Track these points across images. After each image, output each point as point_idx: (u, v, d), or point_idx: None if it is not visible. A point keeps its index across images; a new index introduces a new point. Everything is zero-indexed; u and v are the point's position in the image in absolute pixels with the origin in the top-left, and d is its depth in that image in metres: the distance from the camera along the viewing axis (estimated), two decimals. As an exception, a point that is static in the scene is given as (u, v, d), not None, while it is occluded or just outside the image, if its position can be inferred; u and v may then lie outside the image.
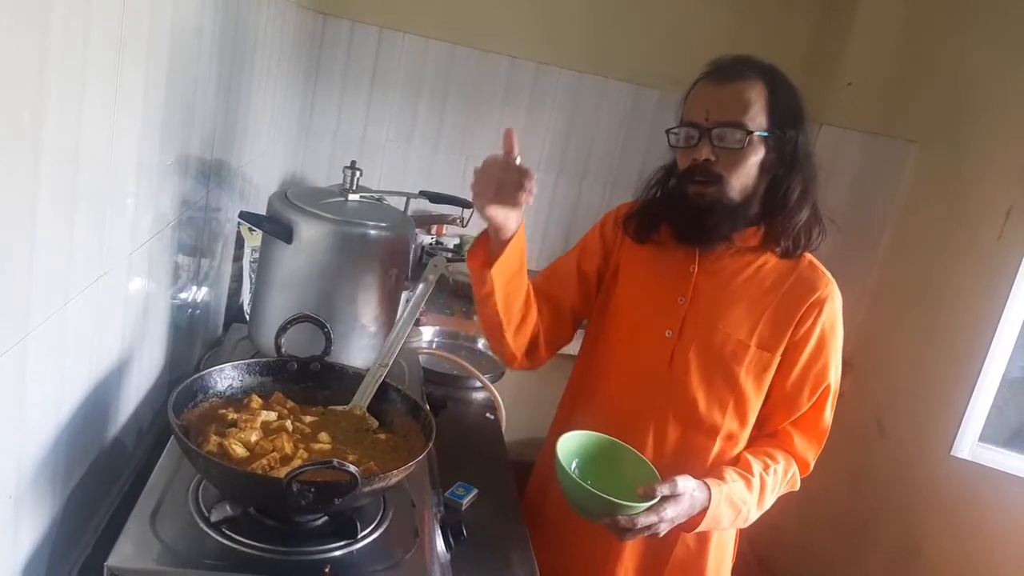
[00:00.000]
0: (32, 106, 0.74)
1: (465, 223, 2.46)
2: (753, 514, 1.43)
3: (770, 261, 1.44)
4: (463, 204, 1.76)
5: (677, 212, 1.45)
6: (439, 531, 1.14)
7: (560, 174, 3.23)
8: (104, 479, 1.16)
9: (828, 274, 1.46)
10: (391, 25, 2.96)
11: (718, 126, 1.35)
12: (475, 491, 1.49)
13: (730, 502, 1.37)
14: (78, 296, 0.93)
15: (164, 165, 1.21)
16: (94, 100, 0.89)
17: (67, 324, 0.92)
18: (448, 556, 1.14)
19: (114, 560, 0.88)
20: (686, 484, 1.31)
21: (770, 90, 1.36)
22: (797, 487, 1.50)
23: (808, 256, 1.45)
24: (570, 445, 1.35)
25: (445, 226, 3.11)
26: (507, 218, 1.27)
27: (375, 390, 1.20)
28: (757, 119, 1.35)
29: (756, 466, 1.42)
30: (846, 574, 2.90)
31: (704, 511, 1.33)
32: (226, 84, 1.53)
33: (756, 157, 1.37)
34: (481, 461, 1.66)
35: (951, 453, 2.52)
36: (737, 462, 1.45)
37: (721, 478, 1.37)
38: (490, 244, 1.35)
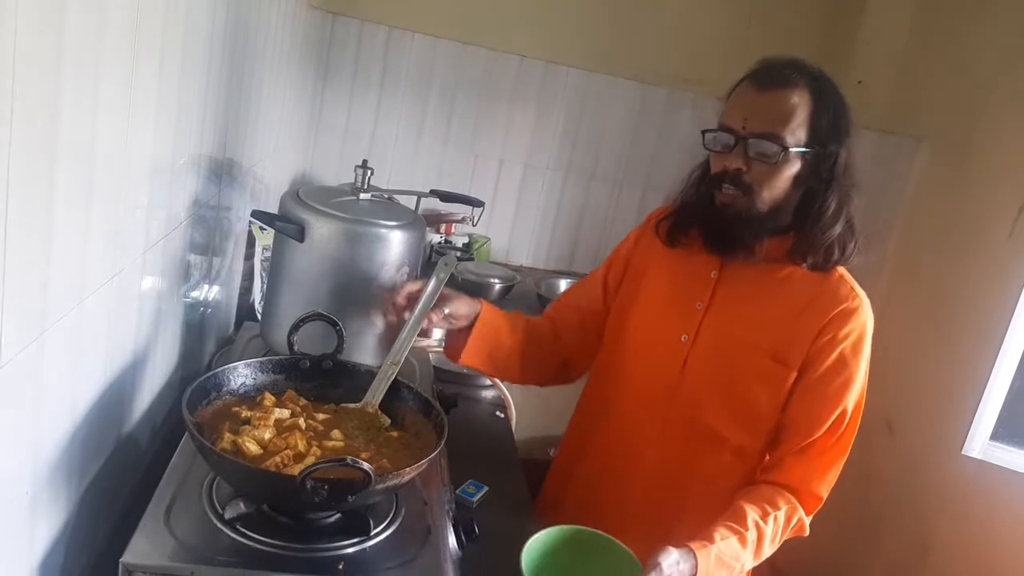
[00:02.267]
0: (48, 107, 0.75)
1: (474, 222, 2.46)
2: (749, 565, 1.32)
3: (797, 272, 1.36)
4: (474, 203, 1.77)
5: (705, 217, 1.39)
6: (451, 529, 1.14)
7: (568, 173, 3.22)
8: (118, 476, 1.17)
9: (859, 290, 1.37)
10: (400, 24, 2.96)
11: (754, 136, 1.28)
12: (486, 489, 1.50)
13: (720, 562, 1.25)
14: (93, 294, 0.94)
15: (177, 164, 1.21)
16: (109, 101, 0.89)
17: (82, 322, 0.92)
18: (460, 554, 1.14)
19: (129, 557, 0.89)
20: (668, 561, 1.18)
21: (815, 101, 1.29)
22: (806, 532, 1.39)
23: (840, 270, 1.37)
24: (534, 552, 1.22)
25: (454, 225, 3.11)
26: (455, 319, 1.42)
27: (387, 388, 1.20)
28: (797, 132, 1.28)
29: (751, 516, 1.30)
30: (853, 572, 2.90)
31: None
32: (237, 84, 1.54)
33: (791, 171, 1.30)
34: (491, 459, 1.66)
35: (962, 452, 2.51)
36: (730, 513, 1.32)
37: (709, 539, 1.25)
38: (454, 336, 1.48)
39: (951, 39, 2.85)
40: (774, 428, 1.40)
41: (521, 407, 1.95)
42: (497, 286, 2.70)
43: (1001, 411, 2.48)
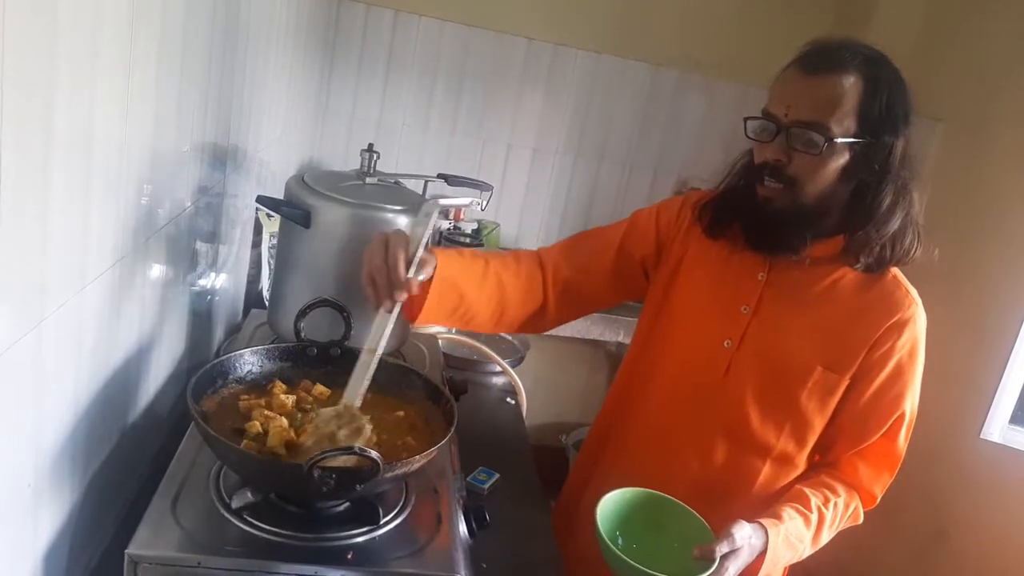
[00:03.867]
0: (43, 92, 0.73)
1: (483, 207, 2.44)
2: (808, 551, 1.30)
3: (849, 274, 1.28)
4: (482, 187, 1.74)
5: (748, 212, 1.30)
6: (462, 516, 1.12)
7: (578, 156, 3.19)
8: (124, 466, 1.15)
9: (913, 292, 1.31)
10: (406, 8, 2.94)
11: (797, 125, 1.18)
12: (497, 476, 1.48)
13: (788, 542, 1.24)
14: (94, 282, 0.92)
15: (180, 151, 1.20)
16: (106, 86, 0.87)
17: (84, 310, 0.91)
18: (471, 541, 1.12)
19: (135, 547, 0.87)
20: (742, 533, 1.18)
21: (868, 87, 1.18)
22: (860, 520, 1.39)
23: (893, 270, 1.30)
24: (609, 510, 1.22)
25: (463, 210, 3.08)
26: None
27: (369, 382, 1.09)
28: (845, 122, 1.17)
29: (814, 500, 1.29)
30: (870, 557, 2.87)
31: (762, 555, 1.21)
32: (241, 69, 1.52)
33: (837, 163, 1.20)
34: (502, 446, 1.65)
35: (981, 435, 2.48)
36: (793, 496, 1.31)
37: (778, 517, 1.24)
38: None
39: (966, 17, 2.80)
40: (822, 435, 1.35)
41: (532, 393, 1.93)
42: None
43: (1021, 394, 2.45)
